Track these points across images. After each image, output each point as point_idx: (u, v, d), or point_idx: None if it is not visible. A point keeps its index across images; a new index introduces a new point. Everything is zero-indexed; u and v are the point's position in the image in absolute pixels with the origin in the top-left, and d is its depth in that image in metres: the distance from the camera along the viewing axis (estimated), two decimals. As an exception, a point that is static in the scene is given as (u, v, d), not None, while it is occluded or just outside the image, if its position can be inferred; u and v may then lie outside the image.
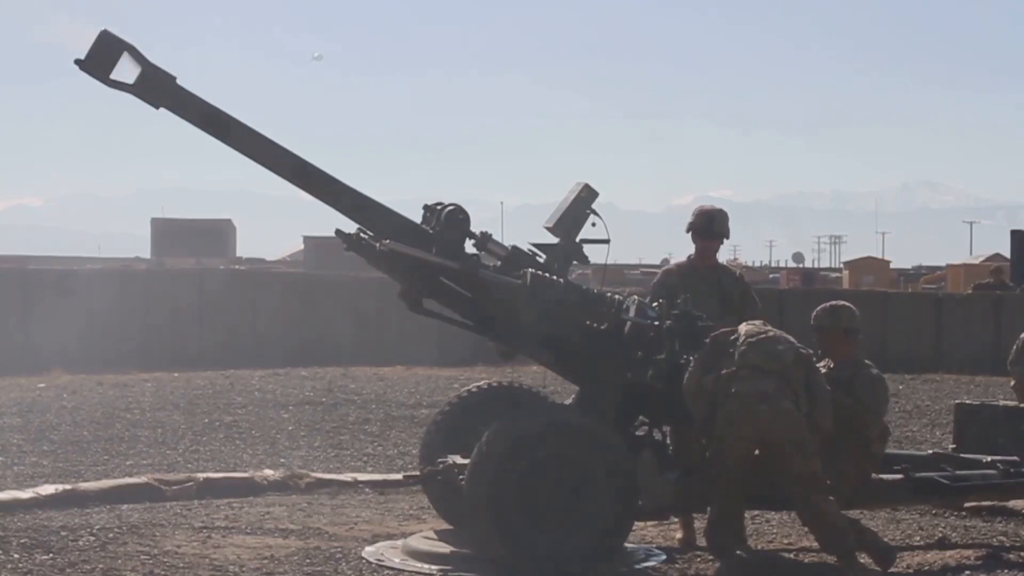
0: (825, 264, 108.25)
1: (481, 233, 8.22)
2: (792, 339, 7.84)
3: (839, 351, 8.25)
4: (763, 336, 7.78)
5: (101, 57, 7.81)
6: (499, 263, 8.21)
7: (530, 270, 7.97)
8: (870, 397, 8.11)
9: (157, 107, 7.92)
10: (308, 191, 8.18)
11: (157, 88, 7.88)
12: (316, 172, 8.16)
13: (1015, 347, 10.25)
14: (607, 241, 8.34)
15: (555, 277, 8.03)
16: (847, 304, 8.44)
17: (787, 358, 7.67)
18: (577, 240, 8.27)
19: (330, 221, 8.51)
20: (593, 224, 8.26)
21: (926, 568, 8.19)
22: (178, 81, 7.93)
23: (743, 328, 7.89)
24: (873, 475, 8.34)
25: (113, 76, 7.85)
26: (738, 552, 8.30)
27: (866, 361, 8.29)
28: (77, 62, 7.79)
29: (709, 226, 8.94)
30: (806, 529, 8.52)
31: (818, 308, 8.41)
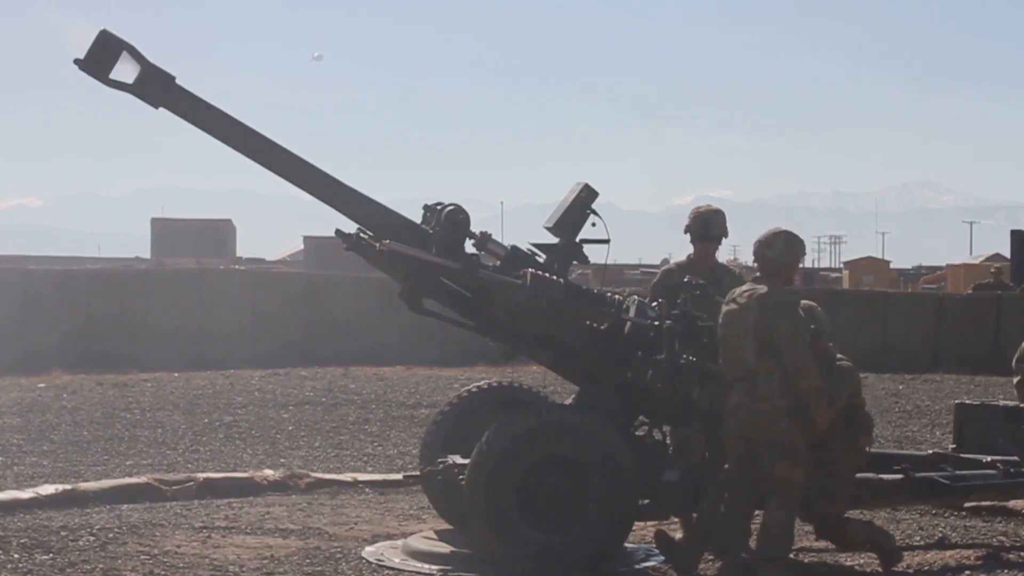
0: (825, 264, 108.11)
1: (481, 233, 8.22)
2: (753, 298, 7.71)
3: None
4: (726, 336, 7.74)
5: (100, 57, 7.81)
6: (499, 263, 8.21)
7: (530, 270, 7.97)
8: (835, 387, 8.05)
9: (156, 107, 7.93)
10: (308, 191, 8.19)
11: (156, 88, 7.88)
12: (316, 172, 8.16)
13: (1023, 345, 10.24)
14: (607, 241, 8.33)
15: (555, 277, 8.03)
16: (811, 304, 8.33)
17: (747, 353, 7.62)
18: (577, 240, 8.27)
19: (330, 221, 8.51)
20: (593, 224, 8.26)
21: (926, 568, 8.19)
22: (177, 81, 7.93)
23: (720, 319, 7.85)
24: (865, 471, 8.34)
25: (112, 76, 7.85)
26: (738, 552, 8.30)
27: (839, 355, 8.25)
28: (76, 62, 7.80)
29: (705, 229, 8.93)
30: (807, 529, 8.54)
31: None
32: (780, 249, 7.81)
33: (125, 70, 7.87)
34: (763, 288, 7.67)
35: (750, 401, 7.60)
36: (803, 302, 8.30)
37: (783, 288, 7.80)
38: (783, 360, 7.54)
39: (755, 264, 7.99)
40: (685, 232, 9.03)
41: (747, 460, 7.71)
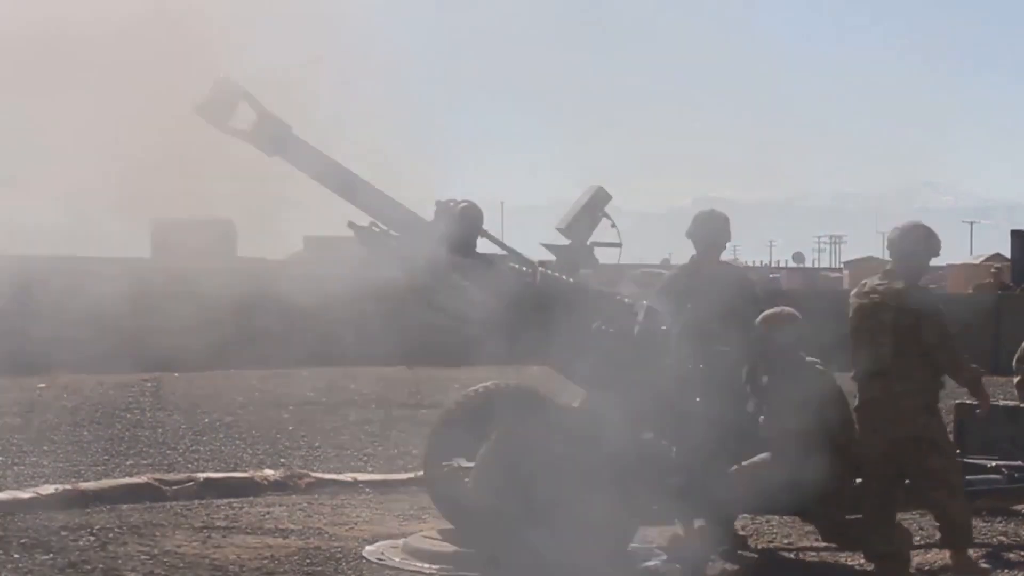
0: (825, 264, 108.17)
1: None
2: (890, 294, 7.71)
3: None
4: (860, 329, 7.76)
5: (219, 104, 7.78)
6: (508, 263, 8.19)
7: (540, 270, 7.96)
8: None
9: (271, 155, 7.92)
10: (346, 198, 8.18)
11: (273, 137, 7.86)
12: (351, 176, 8.15)
13: (1023, 345, 10.23)
14: (619, 244, 8.32)
15: (565, 278, 8.02)
16: (793, 312, 8.28)
17: (884, 351, 7.68)
18: (588, 242, 8.26)
19: (330, 221, 8.47)
20: (612, 226, 8.24)
21: (926, 568, 8.18)
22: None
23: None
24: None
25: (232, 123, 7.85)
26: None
27: (813, 360, 8.22)
28: (196, 108, 7.77)
29: (709, 235, 8.87)
30: (807, 529, 8.53)
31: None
32: (919, 242, 7.81)
33: (243, 117, 7.87)
34: (899, 284, 7.65)
35: (890, 398, 7.61)
36: (786, 310, 8.22)
37: (919, 285, 7.82)
38: (935, 359, 7.59)
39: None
40: (688, 236, 8.96)
41: (889, 456, 7.69)
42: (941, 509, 7.72)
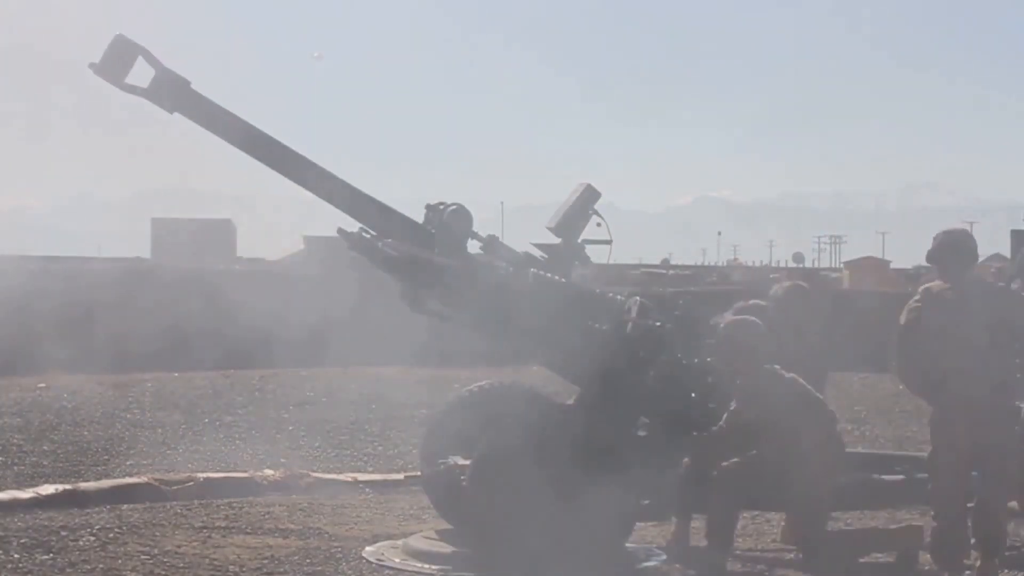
0: (825, 264, 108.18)
1: (489, 236, 8.23)
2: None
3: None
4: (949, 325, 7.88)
5: (116, 61, 7.79)
6: (502, 264, 8.21)
7: (532, 270, 7.98)
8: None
9: (171, 112, 7.91)
10: (315, 192, 8.18)
11: (171, 92, 7.85)
12: (322, 173, 8.15)
13: None
14: (609, 242, 8.34)
15: (557, 277, 8.03)
16: (752, 319, 8.28)
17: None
18: (579, 240, 8.28)
19: (330, 221, 8.49)
20: (599, 224, 8.26)
21: (927, 568, 8.18)
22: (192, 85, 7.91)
23: None
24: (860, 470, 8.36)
25: (128, 80, 7.84)
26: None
27: (776, 366, 8.21)
28: (91, 66, 7.78)
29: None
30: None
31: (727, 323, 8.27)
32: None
33: (140, 74, 7.86)
34: (993, 279, 7.80)
35: (989, 395, 7.64)
36: (738, 317, 8.21)
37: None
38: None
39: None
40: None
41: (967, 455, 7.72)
42: (994, 504, 7.76)
